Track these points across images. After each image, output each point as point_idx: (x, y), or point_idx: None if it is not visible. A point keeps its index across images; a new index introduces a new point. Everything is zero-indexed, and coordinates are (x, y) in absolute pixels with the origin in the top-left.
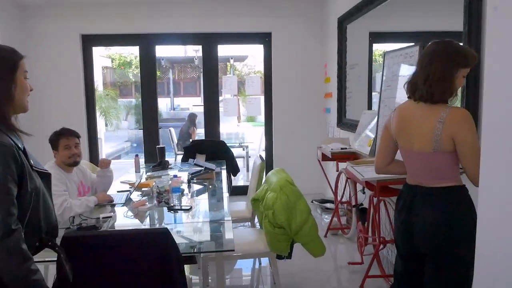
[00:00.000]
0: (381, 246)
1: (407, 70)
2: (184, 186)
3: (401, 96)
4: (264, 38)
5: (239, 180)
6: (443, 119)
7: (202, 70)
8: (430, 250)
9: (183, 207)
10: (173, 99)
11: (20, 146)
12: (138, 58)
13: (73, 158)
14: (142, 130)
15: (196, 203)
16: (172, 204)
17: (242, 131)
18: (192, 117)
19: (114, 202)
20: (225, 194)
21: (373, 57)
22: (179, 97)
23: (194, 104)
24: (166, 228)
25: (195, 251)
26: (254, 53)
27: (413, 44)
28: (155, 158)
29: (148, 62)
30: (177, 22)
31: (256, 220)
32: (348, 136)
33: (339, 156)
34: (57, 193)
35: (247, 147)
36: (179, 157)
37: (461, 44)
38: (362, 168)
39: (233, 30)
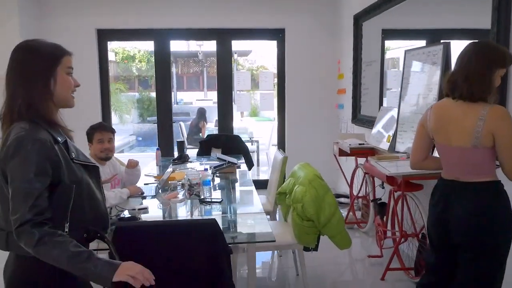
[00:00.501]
0: (402, 240)
1: (429, 68)
2: None
3: (412, 93)
4: (277, 34)
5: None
6: (484, 117)
7: (205, 65)
8: (467, 241)
9: (214, 200)
10: (176, 94)
11: (59, 139)
12: (141, 52)
13: (105, 152)
14: (149, 124)
15: (223, 196)
16: (203, 197)
17: (247, 126)
18: (202, 111)
19: (144, 194)
20: (252, 187)
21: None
22: (182, 91)
23: (197, 99)
24: (214, 219)
25: (234, 241)
26: (257, 48)
27: (437, 42)
28: (169, 152)
29: (162, 57)
30: (192, 18)
31: (277, 213)
32: (363, 132)
33: (357, 152)
34: None
35: (257, 141)
36: (189, 151)
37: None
38: (386, 163)
39: (247, 26)
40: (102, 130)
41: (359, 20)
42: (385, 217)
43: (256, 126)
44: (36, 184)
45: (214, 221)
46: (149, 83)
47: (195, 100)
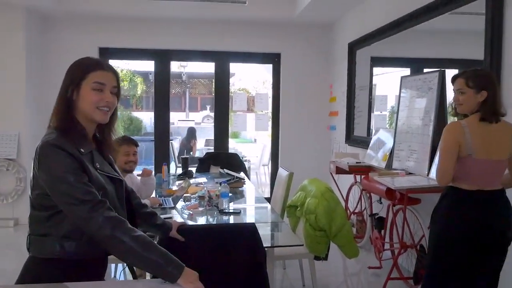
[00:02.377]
0: (402, 251)
1: (425, 93)
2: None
3: (409, 115)
4: (273, 58)
5: None
6: None
7: (188, 86)
8: (501, 242)
9: (233, 211)
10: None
11: (83, 150)
12: (123, 72)
13: (129, 164)
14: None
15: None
16: (222, 208)
17: (235, 146)
18: (192, 130)
19: (163, 206)
20: (265, 202)
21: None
22: None
23: (179, 119)
24: (254, 223)
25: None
26: (239, 71)
27: (433, 70)
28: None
29: (162, 77)
30: (192, 40)
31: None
32: (357, 152)
33: (355, 169)
34: None
35: (249, 161)
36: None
37: None
38: (388, 179)
39: (244, 49)
40: (129, 143)
41: (353, 48)
42: (382, 230)
43: (241, 147)
44: (74, 177)
45: (253, 225)
46: (130, 103)
47: (177, 120)
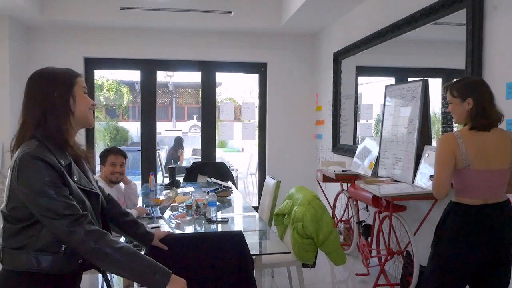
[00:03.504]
0: (388, 257)
1: (409, 102)
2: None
3: (393, 124)
4: (260, 68)
5: None
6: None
7: (175, 95)
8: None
9: (220, 219)
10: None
11: (62, 162)
12: (109, 82)
13: (115, 175)
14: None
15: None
16: (209, 217)
17: (222, 155)
18: (179, 140)
19: (151, 215)
20: (254, 211)
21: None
22: None
23: (166, 129)
24: (241, 231)
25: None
26: (227, 80)
27: (416, 79)
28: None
29: (149, 87)
30: (178, 50)
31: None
32: (343, 160)
33: (342, 177)
34: None
35: (236, 170)
36: (167, 179)
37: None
38: (374, 186)
39: (231, 59)
40: (116, 154)
41: (338, 57)
42: (369, 237)
43: (229, 156)
44: (54, 191)
45: (240, 233)
46: (116, 113)
47: (164, 130)
